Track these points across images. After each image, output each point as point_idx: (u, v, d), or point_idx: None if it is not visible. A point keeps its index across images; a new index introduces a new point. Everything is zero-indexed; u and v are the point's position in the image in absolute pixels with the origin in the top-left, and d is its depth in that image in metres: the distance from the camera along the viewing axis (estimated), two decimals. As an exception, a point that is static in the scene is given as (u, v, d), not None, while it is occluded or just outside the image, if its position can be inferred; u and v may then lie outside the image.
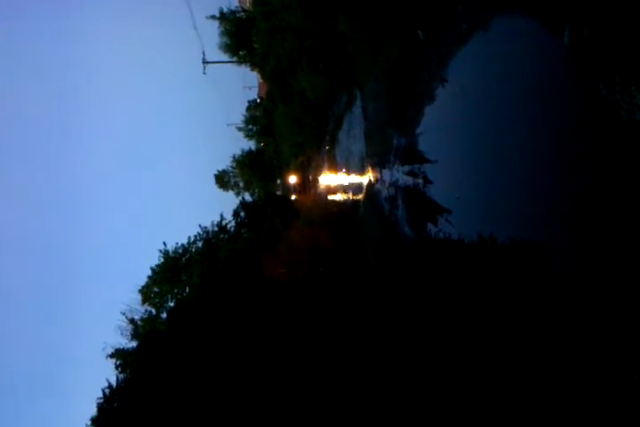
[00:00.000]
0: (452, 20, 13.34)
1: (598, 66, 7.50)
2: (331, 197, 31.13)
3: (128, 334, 29.16)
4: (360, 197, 23.56)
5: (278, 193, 51.73)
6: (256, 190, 51.91)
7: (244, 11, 36.46)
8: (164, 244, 35.33)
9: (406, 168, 16.82)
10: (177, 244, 36.14)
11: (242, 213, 41.69)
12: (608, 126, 7.13)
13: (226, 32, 36.56)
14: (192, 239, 36.07)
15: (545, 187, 9.43)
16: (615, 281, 7.13)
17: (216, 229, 37.28)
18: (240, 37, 35.86)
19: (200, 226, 37.35)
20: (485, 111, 11.97)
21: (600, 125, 7.37)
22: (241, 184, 52.33)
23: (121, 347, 28.31)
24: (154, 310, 31.28)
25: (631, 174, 6.84)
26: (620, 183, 7.12)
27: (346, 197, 26.92)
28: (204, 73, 46.94)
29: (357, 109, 24.23)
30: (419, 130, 16.33)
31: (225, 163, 53.71)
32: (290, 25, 23.07)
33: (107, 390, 19.54)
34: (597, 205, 7.75)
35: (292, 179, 45.83)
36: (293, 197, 44.14)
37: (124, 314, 29.92)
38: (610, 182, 7.36)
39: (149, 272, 34.46)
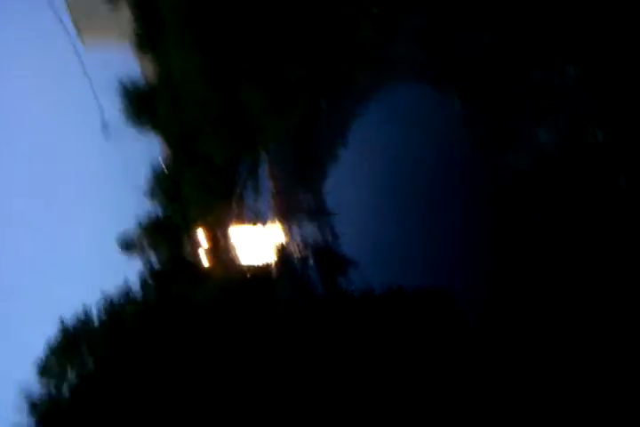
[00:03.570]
0: (353, 89, 14.34)
1: (489, 128, 8.41)
2: (242, 259, 30.88)
3: (26, 413, 26.79)
4: (272, 256, 23.60)
5: (187, 257, 50.41)
6: (164, 255, 50.31)
7: (146, 80, 36.73)
8: (61, 318, 33.41)
9: (315, 224, 17.25)
10: (76, 315, 34.06)
11: (149, 280, 40.15)
12: (498, 176, 7.95)
13: (128, 100, 36.45)
14: (92, 309, 34.22)
15: (445, 236, 10.12)
16: (517, 329, 7.67)
17: (121, 297, 35.63)
18: (143, 105, 35.86)
19: (103, 295, 35.44)
20: (385, 169, 12.77)
21: (491, 176, 8.21)
22: (148, 249, 50.59)
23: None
24: (54, 390, 28.99)
25: (521, 220, 7.60)
26: (513, 230, 7.85)
27: (258, 258, 26.84)
28: (107, 140, 46.10)
29: (263, 171, 24.77)
30: (324, 188, 16.97)
31: (130, 226, 51.91)
32: (193, 94, 23.50)
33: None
34: (495, 255, 8.44)
35: (203, 241, 45.09)
36: (204, 258, 43.16)
37: (22, 392, 27.51)
38: (505, 230, 8.09)
39: (48, 347, 32.13)
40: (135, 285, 35.89)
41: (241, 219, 31.90)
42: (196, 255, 44.66)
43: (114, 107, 38.01)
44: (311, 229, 17.54)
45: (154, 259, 48.64)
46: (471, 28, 8.73)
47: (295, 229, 19.81)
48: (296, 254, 19.94)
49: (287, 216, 21.18)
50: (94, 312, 34.49)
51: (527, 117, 7.26)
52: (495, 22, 8.00)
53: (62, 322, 33.83)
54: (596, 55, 6.05)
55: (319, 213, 16.93)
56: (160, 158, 48.76)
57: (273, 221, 23.48)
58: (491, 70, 8.18)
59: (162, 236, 46.67)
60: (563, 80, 6.46)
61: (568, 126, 6.38)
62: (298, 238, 19.44)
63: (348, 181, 15.51)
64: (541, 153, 6.97)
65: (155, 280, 38.43)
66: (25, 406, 25.37)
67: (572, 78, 6.34)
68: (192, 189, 33.12)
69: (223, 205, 33.31)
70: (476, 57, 8.53)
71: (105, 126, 43.73)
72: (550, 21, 6.80)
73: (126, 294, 35.79)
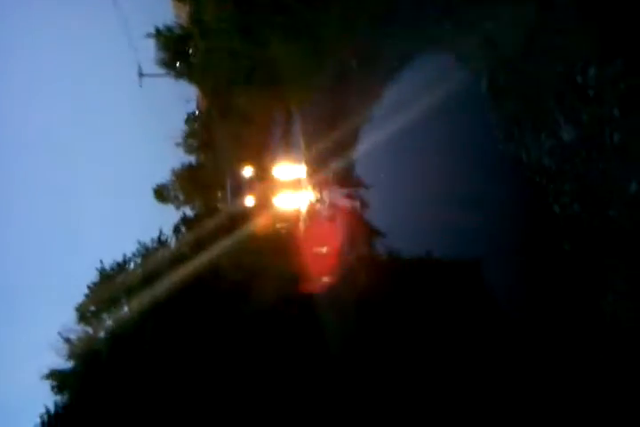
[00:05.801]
0: (383, 53, 13.99)
1: (512, 113, 8.23)
2: (271, 213, 31.24)
3: (64, 354, 28.21)
4: (301, 215, 23.85)
5: (219, 206, 51.26)
6: (197, 204, 51.25)
7: (180, 27, 36.22)
8: (101, 262, 34.51)
9: (344, 191, 17.30)
10: (113, 261, 35.23)
11: (182, 228, 41.16)
12: (520, 169, 7.84)
13: (162, 46, 36.15)
14: (128, 256, 35.28)
15: (472, 212, 10.12)
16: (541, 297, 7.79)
17: (155, 245, 36.62)
18: (177, 52, 35.57)
19: (139, 242, 36.51)
20: (416, 140, 12.61)
21: (513, 168, 8.09)
22: (181, 198, 51.54)
23: (56, 368, 27.36)
24: (91, 330, 30.46)
25: (541, 206, 7.57)
26: (535, 209, 7.86)
27: (288, 217, 27.12)
28: (141, 86, 46.13)
29: (296, 130, 24.60)
30: (355, 154, 16.87)
31: (164, 176, 52.76)
32: (227, 46, 23.27)
33: (45, 417, 19.03)
34: (518, 227, 8.47)
35: (234, 191, 45.62)
36: (235, 206, 43.75)
37: (59, 334, 28.98)
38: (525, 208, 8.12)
39: (86, 290, 33.51)
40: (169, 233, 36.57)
41: (273, 174, 32.02)
42: (228, 204, 45.33)
43: (149, 53, 37.87)
44: (340, 193, 17.59)
45: (187, 207, 49.72)
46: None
47: (325, 191, 19.88)
48: (324, 214, 20.10)
49: (318, 177, 21.19)
50: (132, 258, 35.51)
51: (550, 111, 7.13)
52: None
53: (101, 264, 35.01)
54: (617, 57, 5.92)
55: (348, 177, 16.92)
56: (194, 106, 48.78)
57: (304, 180, 23.54)
58: (520, 60, 8.00)
59: (195, 183, 47.51)
60: (585, 79, 6.37)
61: (587, 125, 6.37)
62: (327, 200, 19.55)
63: (379, 147, 15.39)
64: (561, 147, 6.95)
65: (187, 227, 39.32)
66: (63, 348, 26.79)
67: (593, 79, 6.23)
68: (224, 138, 33.33)
69: (256, 156, 33.48)
70: (505, 43, 8.31)
71: (140, 72, 43.68)
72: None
73: (160, 241, 36.74)
